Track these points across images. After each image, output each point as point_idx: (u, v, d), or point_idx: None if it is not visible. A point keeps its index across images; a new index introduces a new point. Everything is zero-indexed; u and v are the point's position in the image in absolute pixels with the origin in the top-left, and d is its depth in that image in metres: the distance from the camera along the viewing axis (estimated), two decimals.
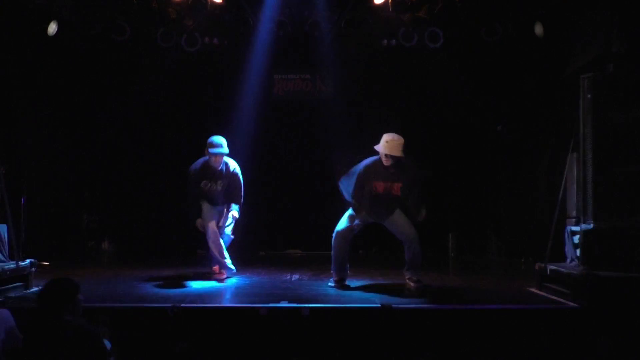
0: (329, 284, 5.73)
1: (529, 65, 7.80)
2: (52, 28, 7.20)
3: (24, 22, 7.05)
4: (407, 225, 5.63)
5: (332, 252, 5.68)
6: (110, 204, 8.98)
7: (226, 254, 6.04)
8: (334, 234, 5.68)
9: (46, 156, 8.00)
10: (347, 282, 5.74)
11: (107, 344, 3.45)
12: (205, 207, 6.06)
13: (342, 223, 5.66)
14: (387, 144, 5.42)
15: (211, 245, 5.96)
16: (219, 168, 5.99)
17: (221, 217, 6.18)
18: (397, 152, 5.41)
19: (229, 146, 6.05)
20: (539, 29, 7.34)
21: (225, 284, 5.88)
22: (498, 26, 7.67)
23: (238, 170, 6.09)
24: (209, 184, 6.02)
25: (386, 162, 5.47)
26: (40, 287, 3.46)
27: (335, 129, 8.62)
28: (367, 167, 5.56)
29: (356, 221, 5.63)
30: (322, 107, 8.84)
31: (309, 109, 8.97)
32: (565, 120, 6.25)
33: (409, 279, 5.65)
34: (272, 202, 8.96)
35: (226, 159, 6.03)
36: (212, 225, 5.98)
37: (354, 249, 8.51)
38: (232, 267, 6.03)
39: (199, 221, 6.02)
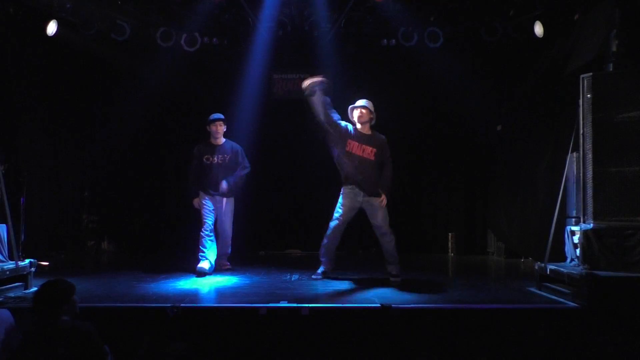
0: (314, 276, 6.00)
1: (529, 65, 7.80)
2: (52, 28, 7.20)
3: (24, 22, 7.05)
4: (382, 218, 5.82)
5: (324, 244, 5.99)
6: (110, 203, 8.98)
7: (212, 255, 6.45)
8: (329, 227, 5.96)
9: (46, 156, 8.00)
10: (346, 282, 5.83)
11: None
12: (206, 204, 6.49)
13: (334, 217, 5.93)
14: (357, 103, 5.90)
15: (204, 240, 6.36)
16: (220, 143, 6.63)
17: (222, 216, 6.56)
18: (359, 103, 5.84)
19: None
20: (539, 29, 7.34)
21: (224, 284, 5.88)
22: (498, 26, 7.67)
23: (240, 149, 6.70)
24: (210, 158, 6.55)
25: (356, 118, 5.83)
26: (37, 288, 3.46)
27: None
28: (346, 124, 5.89)
29: (342, 209, 5.86)
30: None
31: (309, 109, 8.95)
32: (565, 120, 6.25)
33: (388, 273, 5.90)
34: (272, 202, 8.97)
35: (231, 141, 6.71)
36: (210, 222, 6.45)
37: (355, 250, 8.62)
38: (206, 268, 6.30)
39: (196, 200, 6.55)
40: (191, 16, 7.73)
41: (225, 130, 6.71)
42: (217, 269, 6.54)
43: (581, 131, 5.31)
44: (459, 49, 8.06)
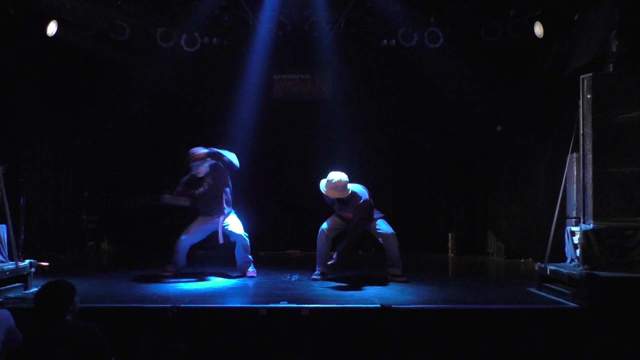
0: (314, 276, 6.10)
1: (528, 66, 7.80)
2: (52, 28, 7.20)
3: (24, 22, 7.05)
4: (384, 227, 6.11)
5: (317, 248, 6.17)
6: (110, 204, 8.97)
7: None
8: (319, 232, 6.15)
9: (46, 156, 8.00)
10: (345, 282, 5.87)
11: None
12: (195, 224, 6.24)
13: (327, 223, 6.19)
14: (327, 184, 5.94)
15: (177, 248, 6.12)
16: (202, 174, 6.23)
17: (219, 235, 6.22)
18: (333, 194, 5.92)
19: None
20: (538, 29, 7.34)
21: (225, 284, 5.88)
22: (498, 26, 7.67)
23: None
24: (199, 185, 6.22)
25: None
26: (38, 289, 3.46)
27: (335, 129, 8.63)
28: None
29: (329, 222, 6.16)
30: (322, 107, 8.84)
31: (309, 109, 8.97)
32: (565, 120, 6.25)
33: (392, 275, 6.07)
34: (272, 202, 8.96)
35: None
36: (188, 237, 6.17)
37: (355, 250, 8.61)
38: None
39: (167, 197, 6.25)
40: (191, 16, 7.73)
41: (203, 162, 6.18)
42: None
43: (581, 131, 5.31)
44: (459, 49, 8.06)
